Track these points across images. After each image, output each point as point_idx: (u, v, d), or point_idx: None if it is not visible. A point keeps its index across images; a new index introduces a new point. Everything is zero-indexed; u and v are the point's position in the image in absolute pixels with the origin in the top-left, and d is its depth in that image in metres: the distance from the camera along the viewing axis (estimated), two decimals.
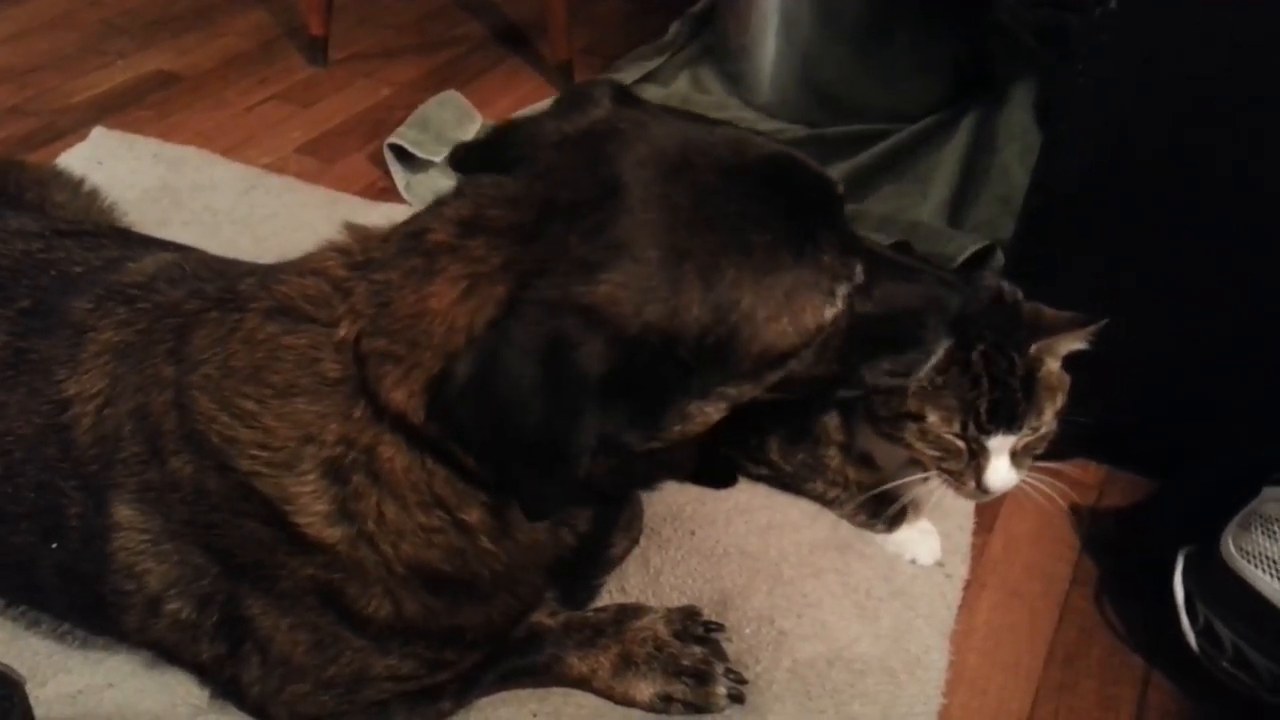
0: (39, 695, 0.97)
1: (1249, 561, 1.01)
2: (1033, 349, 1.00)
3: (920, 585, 1.13)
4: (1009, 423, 1.00)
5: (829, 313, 0.76)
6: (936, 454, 1.03)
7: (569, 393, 0.68)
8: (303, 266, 0.82)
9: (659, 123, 0.76)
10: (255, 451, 0.79)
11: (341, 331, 0.76)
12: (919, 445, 1.03)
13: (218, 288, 0.89)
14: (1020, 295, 1.06)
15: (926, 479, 1.07)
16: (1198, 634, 1.05)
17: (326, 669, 0.88)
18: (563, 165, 0.74)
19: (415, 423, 0.75)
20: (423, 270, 0.73)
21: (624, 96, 0.80)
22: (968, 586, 1.16)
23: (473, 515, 0.80)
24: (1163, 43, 1.03)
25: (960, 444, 1.02)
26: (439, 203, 0.78)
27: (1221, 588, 1.02)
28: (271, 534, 0.81)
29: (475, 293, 0.71)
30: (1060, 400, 1.03)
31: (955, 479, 1.04)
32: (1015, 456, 1.03)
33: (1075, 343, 1.03)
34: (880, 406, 1.04)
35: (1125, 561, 1.19)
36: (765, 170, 0.75)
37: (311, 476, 0.78)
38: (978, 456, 1.02)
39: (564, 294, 0.68)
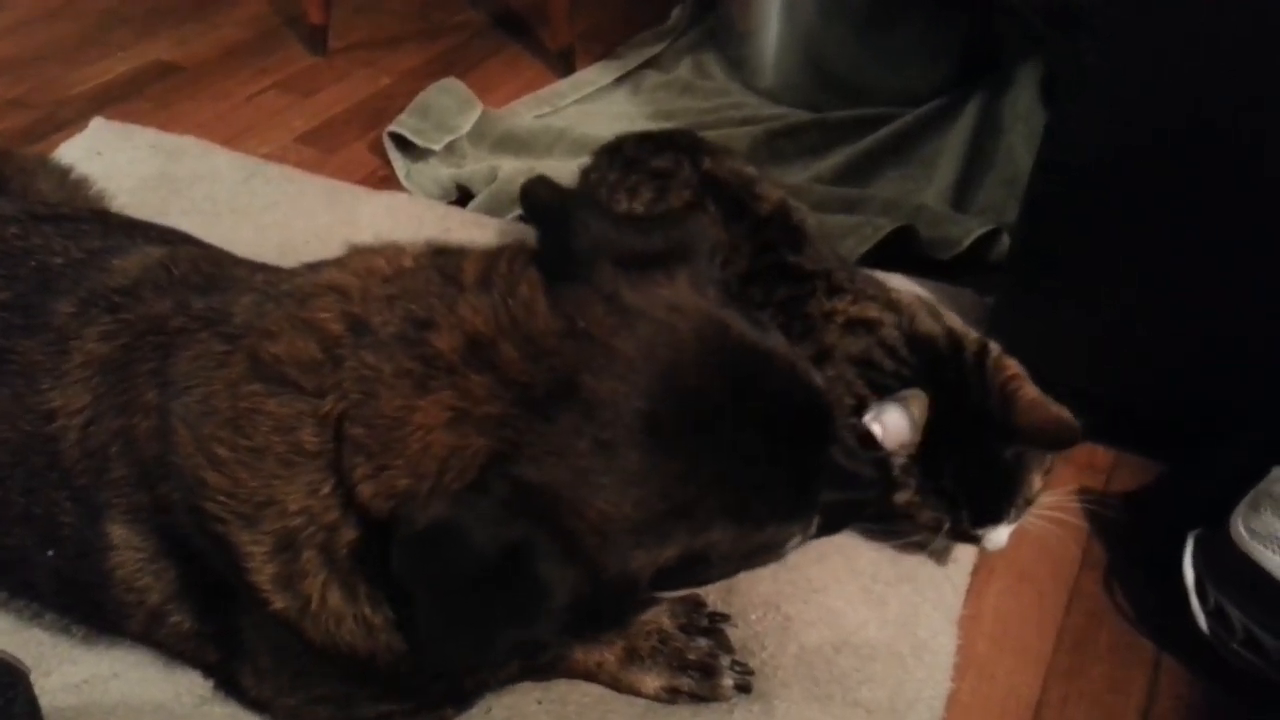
0: (44, 685, 0.96)
1: (1259, 542, 1.00)
2: (1009, 454, 1.01)
3: (928, 570, 1.12)
4: (996, 519, 1.03)
5: (790, 548, 0.79)
6: (934, 534, 1.07)
7: (521, 602, 0.66)
8: (295, 315, 0.77)
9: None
10: (223, 498, 0.76)
11: (326, 406, 0.73)
12: (916, 526, 1.07)
13: (206, 304, 0.85)
14: (999, 351, 1.07)
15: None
16: (1208, 616, 1.04)
17: (314, 688, 0.87)
18: (596, 339, 0.69)
19: (379, 519, 0.72)
20: (416, 379, 0.70)
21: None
22: (975, 571, 1.15)
23: None
24: (1172, 19, 1.02)
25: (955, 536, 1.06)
26: (455, 281, 0.74)
27: (1231, 569, 1.02)
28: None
29: (457, 429, 0.68)
30: (1049, 462, 1.04)
31: (957, 540, 1.09)
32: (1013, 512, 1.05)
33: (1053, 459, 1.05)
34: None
35: (1135, 545, 1.18)
36: (777, 413, 0.73)
37: (267, 539, 0.76)
38: (973, 539, 1.06)
39: (554, 497, 0.65)
